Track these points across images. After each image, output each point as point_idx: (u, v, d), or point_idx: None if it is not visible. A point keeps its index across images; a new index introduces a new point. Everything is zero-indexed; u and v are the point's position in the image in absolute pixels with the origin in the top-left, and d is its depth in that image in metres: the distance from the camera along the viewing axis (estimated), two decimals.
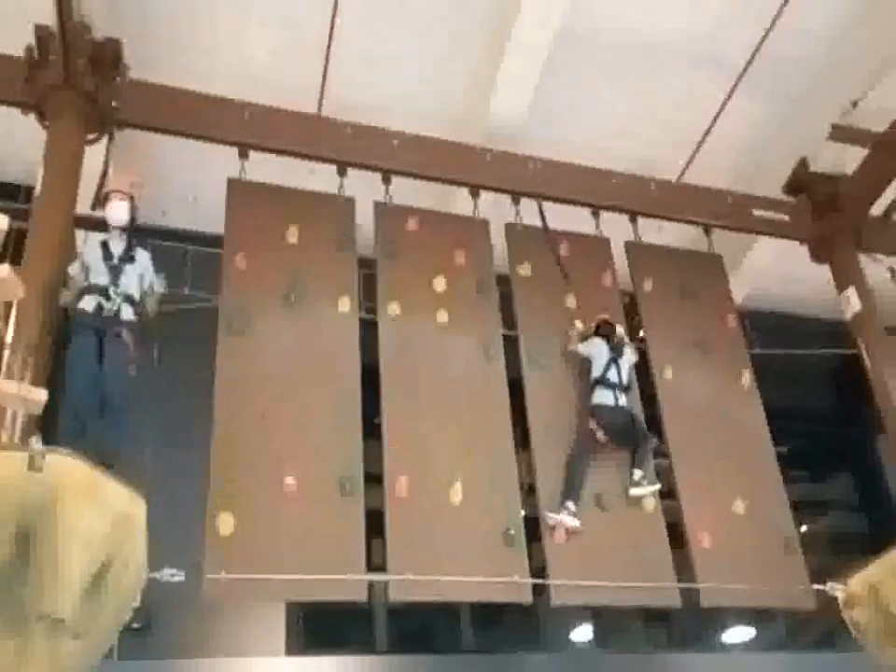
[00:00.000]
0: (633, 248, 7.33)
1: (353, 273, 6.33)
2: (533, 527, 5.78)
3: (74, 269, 5.39)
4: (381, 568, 5.36)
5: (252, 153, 6.47)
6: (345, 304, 6.15)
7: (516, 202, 7.05)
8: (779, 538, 6.23)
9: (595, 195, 7.23)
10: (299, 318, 6.01)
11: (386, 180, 6.75)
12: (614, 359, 6.36)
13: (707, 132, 7.64)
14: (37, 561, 3.93)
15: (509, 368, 6.33)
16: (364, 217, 6.68)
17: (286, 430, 5.53)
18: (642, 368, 6.79)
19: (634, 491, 6.07)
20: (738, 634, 9.64)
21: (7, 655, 3.94)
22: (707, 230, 7.59)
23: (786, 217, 7.70)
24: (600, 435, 6.13)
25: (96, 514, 4.09)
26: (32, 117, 5.91)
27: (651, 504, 6.12)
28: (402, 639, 8.02)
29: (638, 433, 6.24)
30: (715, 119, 7.63)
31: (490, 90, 7.33)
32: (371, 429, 5.80)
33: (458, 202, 7.40)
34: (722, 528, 6.07)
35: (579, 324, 6.68)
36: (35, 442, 4.02)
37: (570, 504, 5.81)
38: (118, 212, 5.49)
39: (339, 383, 5.83)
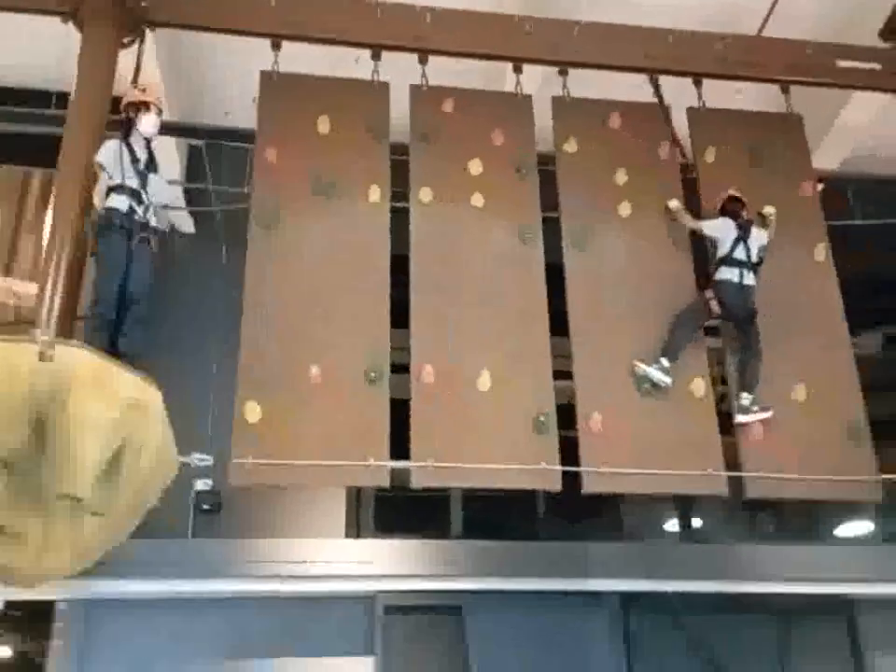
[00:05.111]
0: (694, 114, 6.68)
1: (384, 162, 6.14)
2: (569, 415, 5.61)
3: (102, 157, 5.32)
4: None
5: (291, 46, 6.36)
6: (376, 193, 6.02)
7: (563, 73, 6.59)
8: (844, 426, 5.73)
9: (650, 58, 6.60)
10: (328, 209, 5.94)
11: (422, 60, 6.47)
12: (742, 238, 5.98)
13: None
14: (53, 446, 4.22)
15: (547, 252, 6.04)
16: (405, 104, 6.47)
17: (314, 321, 5.56)
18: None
19: (740, 418, 5.68)
20: (856, 527, 9.17)
21: (33, 533, 4.31)
22: (783, 87, 6.81)
23: (878, 66, 6.77)
24: (714, 304, 5.86)
25: (105, 402, 4.31)
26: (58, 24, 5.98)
27: (700, 389, 5.77)
28: (477, 526, 8.11)
29: (752, 327, 5.87)
30: None
31: None
32: (404, 321, 5.74)
33: (506, 82, 6.98)
34: (778, 415, 5.64)
35: (673, 203, 6.22)
36: (42, 334, 4.28)
37: (664, 360, 5.68)
38: (151, 123, 5.55)
39: (368, 273, 5.76)
